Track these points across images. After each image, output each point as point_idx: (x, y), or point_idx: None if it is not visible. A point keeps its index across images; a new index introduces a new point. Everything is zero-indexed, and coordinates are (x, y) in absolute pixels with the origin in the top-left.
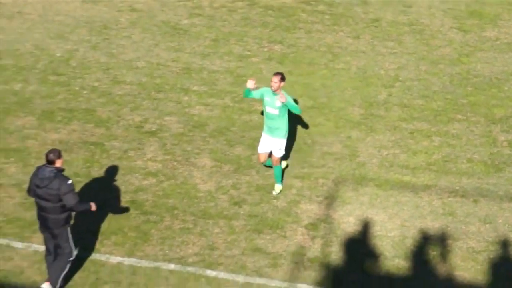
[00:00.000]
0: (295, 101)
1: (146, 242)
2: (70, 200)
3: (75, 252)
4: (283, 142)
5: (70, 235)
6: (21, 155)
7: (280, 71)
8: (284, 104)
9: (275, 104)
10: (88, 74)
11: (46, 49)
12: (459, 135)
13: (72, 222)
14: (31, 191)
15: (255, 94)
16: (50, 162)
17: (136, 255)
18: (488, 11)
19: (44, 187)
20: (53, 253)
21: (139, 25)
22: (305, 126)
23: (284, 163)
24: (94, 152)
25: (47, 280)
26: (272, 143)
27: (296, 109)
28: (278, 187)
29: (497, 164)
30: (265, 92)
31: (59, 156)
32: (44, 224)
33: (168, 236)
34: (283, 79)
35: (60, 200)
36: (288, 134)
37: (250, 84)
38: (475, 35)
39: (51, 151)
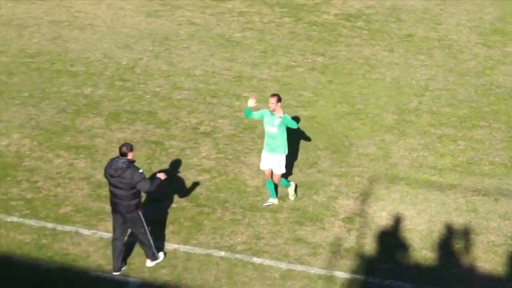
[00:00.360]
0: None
1: (200, 231)
2: (144, 186)
3: (148, 229)
4: (283, 157)
5: (142, 218)
6: (89, 151)
7: (277, 93)
8: (282, 122)
9: (274, 123)
10: (151, 80)
11: (113, 58)
12: (482, 140)
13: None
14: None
15: (256, 115)
16: (123, 154)
17: (190, 243)
18: (510, 29)
19: (118, 176)
20: (120, 238)
21: (196, 37)
22: (343, 129)
23: (292, 188)
24: (154, 150)
25: (147, 258)
26: (273, 159)
27: (293, 124)
28: (272, 200)
29: None
30: (264, 113)
31: (131, 149)
32: (117, 210)
33: (219, 226)
34: (279, 100)
35: (132, 188)
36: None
37: (251, 102)
38: (498, 50)
39: (124, 144)
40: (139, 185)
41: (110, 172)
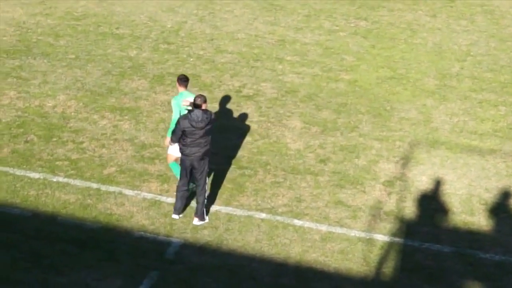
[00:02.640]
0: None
1: (241, 193)
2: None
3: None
4: None
5: (207, 169)
6: (133, 113)
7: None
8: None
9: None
10: (195, 43)
11: (158, 21)
12: None
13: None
14: (179, 131)
15: (175, 116)
16: (198, 106)
17: (232, 205)
18: None
19: (200, 122)
20: (187, 189)
21: (240, 1)
22: (385, 94)
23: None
24: None
25: (195, 216)
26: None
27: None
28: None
29: None
30: (178, 102)
31: (205, 101)
32: (190, 162)
33: (260, 188)
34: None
35: (209, 133)
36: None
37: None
38: None
39: (198, 96)
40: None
41: (193, 124)
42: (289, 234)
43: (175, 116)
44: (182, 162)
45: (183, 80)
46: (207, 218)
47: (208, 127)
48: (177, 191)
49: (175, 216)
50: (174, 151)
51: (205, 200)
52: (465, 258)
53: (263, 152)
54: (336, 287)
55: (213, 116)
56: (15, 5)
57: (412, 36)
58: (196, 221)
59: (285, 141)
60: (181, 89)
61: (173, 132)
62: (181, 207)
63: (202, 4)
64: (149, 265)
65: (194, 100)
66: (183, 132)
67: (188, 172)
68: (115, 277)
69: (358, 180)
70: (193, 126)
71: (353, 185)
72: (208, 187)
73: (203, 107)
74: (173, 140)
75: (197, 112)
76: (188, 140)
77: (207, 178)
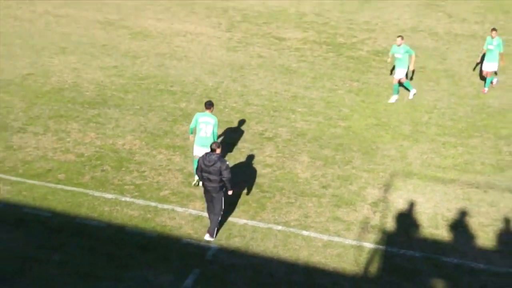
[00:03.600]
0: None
1: (263, 210)
2: (226, 174)
3: (221, 212)
4: None
5: (223, 199)
6: (183, 150)
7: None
8: (215, 122)
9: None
10: (229, 98)
11: (202, 81)
12: (476, 146)
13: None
14: (199, 170)
15: (193, 124)
16: (213, 150)
17: (256, 219)
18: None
19: (211, 166)
20: (211, 209)
21: (263, 67)
22: (372, 137)
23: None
24: (231, 150)
25: (207, 232)
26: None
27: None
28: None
29: (501, 167)
30: (197, 117)
31: (219, 147)
32: (207, 190)
33: (277, 207)
34: (212, 105)
35: (220, 174)
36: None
37: (191, 138)
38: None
39: (214, 143)
40: (224, 173)
41: (205, 163)
42: (299, 242)
43: (191, 124)
44: (204, 191)
45: (207, 104)
46: (216, 236)
47: (217, 168)
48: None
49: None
50: (198, 152)
51: (218, 223)
52: (431, 261)
53: (279, 180)
54: (334, 283)
55: (224, 166)
56: (95, 69)
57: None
58: (207, 237)
59: (296, 172)
60: (206, 111)
61: (196, 169)
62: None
63: (235, 68)
64: (193, 264)
65: (210, 146)
66: (201, 167)
67: (209, 199)
68: (168, 273)
69: (351, 202)
70: (205, 165)
71: (347, 205)
72: (222, 213)
73: (217, 151)
74: (196, 173)
75: (212, 156)
76: (204, 174)
77: (222, 206)
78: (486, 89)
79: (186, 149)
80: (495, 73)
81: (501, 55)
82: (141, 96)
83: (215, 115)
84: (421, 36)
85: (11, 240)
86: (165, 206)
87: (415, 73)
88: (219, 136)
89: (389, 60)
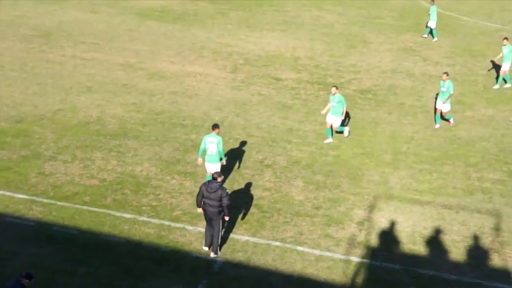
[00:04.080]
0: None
1: (263, 228)
2: (226, 201)
3: (221, 233)
4: (219, 165)
5: (221, 222)
6: (193, 176)
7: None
8: (218, 140)
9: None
10: (233, 130)
11: (210, 115)
12: (448, 172)
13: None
14: (200, 196)
15: (202, 146)
16: (215, 178)
17: (256, 236)
18: (468, 101)
19: (213, 193)
20: (210, 230)
21: (263, 103)
22: (358, 164)
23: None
24: (235, 175)
25: (211, 251)
26: (215, 167)
27: (221, 151)
28: None
29: (470, 191)
30: (204, 139)
31: (220, 176)
32: (207, 213)
33: (275, 226)
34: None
35: (219, 201)
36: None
37: (199, 161)
38: (459, 115)
39: (215, 172)
40: (224, 199)
41: (208, 189)
42: (294, 256)
43: (201, 146)
44: (204, 214)
45: (213, 126)
46: (220, 252)
47: (218, 194)
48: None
49: (205, 247)
50: (208, 167)
51: (219, 241)
52: (410, 273)
53: (277, 202)
54: None
55: (224, 194)
56: (116, 105)
57: (376, 127)
58: (212, 255)
59: (292, 195)
60: (212, 132)
61: (197, 194)
62: (209, 241)
63: (238, 105)
64: (202, 276)
65: (212, 175)
66: (202, 193)
67: (209, 221)
68: (179, 283)
69: (340, 221)
70: (208, 192)
71: (337, 224)
72: (221, 234)
73: (218, 180)
74: (197, 201)
75: (214, 183)
76: (206, 200)
77: (222, 226)
78: (437, 125)
79: (196, 175)
80: (447, 112)
81: (449, 95)
82: (157, 128)
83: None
84: (400, 77)
85: (43, 254)
86: (177, 225)
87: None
88: (224, 166)
89: (324, 111)
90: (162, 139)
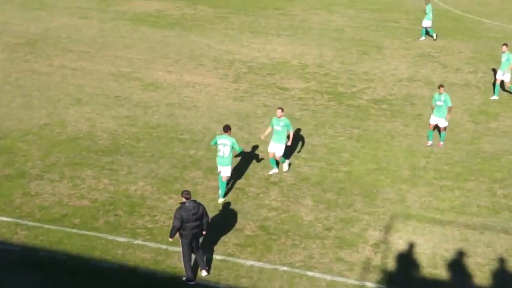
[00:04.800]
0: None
1: (269, 252)
2: (207, 215)
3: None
4: (230, 168)
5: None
6: (193, 195)
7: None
8: (232, 142)
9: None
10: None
11: (210, 129)
12: (472, 189)
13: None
14: (179, 223)
15: (212, 142)
16: (187, 198)
17: (262, 260)
18: (492, 110)
19: (197, 212)
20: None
21: (268, 115)
22: (372, 181)
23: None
24: (238, 194)
25: (202, 269)
26: (224, 170)
27: (238, 149)
28: (220, 200)
29: (496, 209)
30: (218, 139)
31: (188, 193)
32: (190, 235)
33: (283, 249)
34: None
35: (203, 216)
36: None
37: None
38: (483, 126)
39: (185, 191)
40: (205, 215)
41: (191, 212)
42: (304, 282)
43: (212, 142)
44: (183, 237)
45: (225, 128)
46: (204, 272)
47: (200, 213)
48: (184, 259)
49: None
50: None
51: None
52: None
53: (284, 222)
54: None
55: (204, 208)
56: (108, 118)
57: (391, 140)
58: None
59: (300, 215)
60: (224, 134)
61: (174, 220)
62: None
63: (241, 117)
64: None
65: (182, 194)
66: (182, 219)
67: (190, 243)
68: None
69: (353, 243)
70: (193, 214)
71: (350, 246)
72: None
73: (188, 199)
74: (174, 231)
75: (190, 203)
76: (187, 225)
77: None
78: (441, 143)
79: (195, 194)
80: (444, 128)
81: (449, 108)
82: (153, 144)
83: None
84: (417, 85)
85: (29, 282)
86: (176, 249)
87: (412, 120)
88: (226, 183)
89: (263, 135)
90: (158, 155)
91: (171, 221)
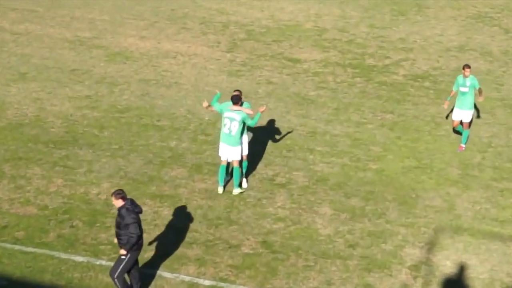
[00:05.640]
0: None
1: (274, 276)
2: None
3: None
4: (239, 149)
5: None
6: (173, 200)
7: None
8: (242, 118)
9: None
10: None
11: (196, 114)
12: None
13: None
14: (138, 224)
15: (216, 107)
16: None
17: (266, 287)
18: None
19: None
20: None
21: (274, 96)
22: (410, 182)
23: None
24: (233, 200)
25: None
26: (232, 151)
27: (252, 122)
28: (236, 191)
29: None
30: (224, 112)
31: (120, 193)
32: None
33: (292, 272)
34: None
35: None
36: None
37: (205, 104)
38: None
39: (118, 190)
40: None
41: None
42: None
43: (217, 108)
44: (135, 250)
45: (234, 98)
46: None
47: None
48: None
49: None
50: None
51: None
52: None
53: (294, 237)
54: None
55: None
56: (63, 99)
57: (436, 128)
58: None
59: (316, 227)
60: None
61: (133, 227)
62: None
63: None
64: None
65: (119, 195)
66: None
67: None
68: None
69: (385, 264)
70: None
71: (381, 269)
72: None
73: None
74: (135, 236)
75: (131, 204)
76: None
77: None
78: (463, 145)
79: (177, 199)
80: (469, 125)
81: (480, 90)
82: (121, 133)
83: (214, 158)
84: (471, 56)
85: None
86: (150, 271)
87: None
88: (215, 183)
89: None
90: (128, 148)
91: (144, 235)
